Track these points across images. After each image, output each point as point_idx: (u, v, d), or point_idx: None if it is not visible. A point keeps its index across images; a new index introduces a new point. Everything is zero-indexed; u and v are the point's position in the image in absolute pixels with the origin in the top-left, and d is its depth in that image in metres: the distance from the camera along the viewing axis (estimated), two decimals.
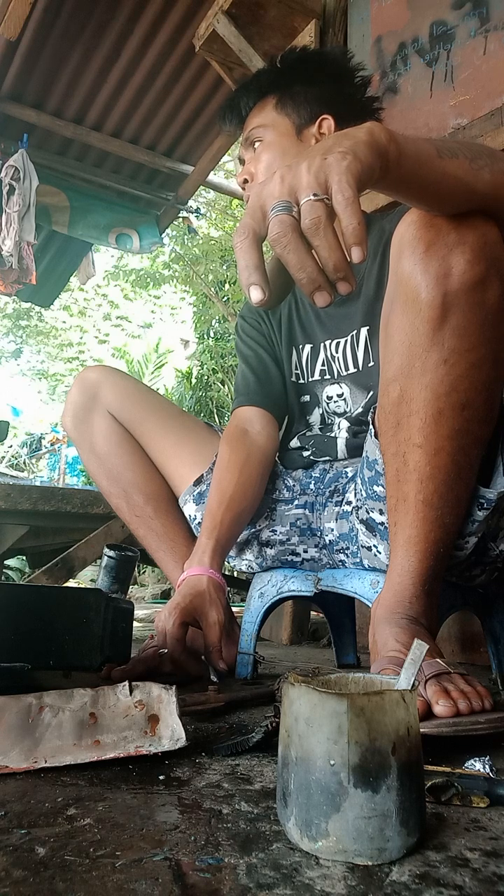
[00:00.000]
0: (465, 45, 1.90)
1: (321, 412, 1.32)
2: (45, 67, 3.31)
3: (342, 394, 1.27)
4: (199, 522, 1.30)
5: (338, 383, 1.28)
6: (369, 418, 1.06)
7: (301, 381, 1.34)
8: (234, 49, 2.38)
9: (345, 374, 1.26)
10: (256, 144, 1.25)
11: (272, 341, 1.40)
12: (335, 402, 1.28)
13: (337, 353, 1.26)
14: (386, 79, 2.09)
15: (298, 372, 1.35)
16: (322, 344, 1.29)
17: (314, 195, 0.57)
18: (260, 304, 0.61)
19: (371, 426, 1.05)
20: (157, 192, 4.20)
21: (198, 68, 3.34)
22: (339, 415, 1.27)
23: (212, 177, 4.31)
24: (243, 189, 1.26)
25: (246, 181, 1.23)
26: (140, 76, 3.39)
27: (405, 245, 0.82)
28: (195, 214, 4.74)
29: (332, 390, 1.29)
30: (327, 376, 1.30)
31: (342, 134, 0.65)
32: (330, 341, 1.28)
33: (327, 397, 1.29)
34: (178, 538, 1.36)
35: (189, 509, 1.33)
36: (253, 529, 1.28)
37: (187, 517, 1.36)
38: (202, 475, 1.33)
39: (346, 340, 1.25)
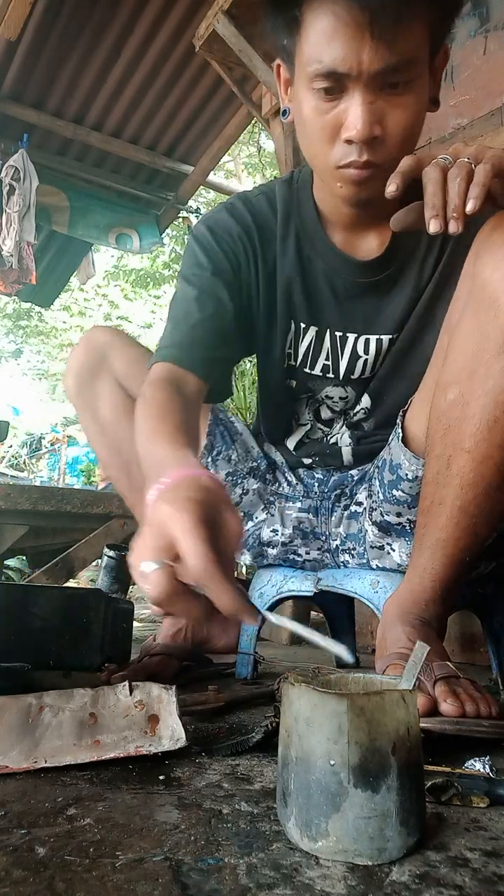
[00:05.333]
0: (465, 45, 1.90)
1: (316, 408, 1.17)
2: (45, 67, 3.31)
3: (346, 396, 1.13)
4: None
5: (342, 386, 1.12)
6: (398, 420, 1.03)
7: (292, 362, 1.11)
8: (234, 49, 2.38)
9: (358, 377, 1.10)
10: (398, 85, 0.84)
11: (246, 286, 1.07)
12: (335, 402, 1.15)
13: (366, 353, 1.07)
14: None
15: (291, 352, 1.11)
16: (332, 332, 1.07)
17: (467, 159, 0.76)
18: (390, 195, 0.79)
19: (399, 430, 1.03)
20: (157, 192, 4.21)
21: (198, 68, 3.34)
22: (334, 412, 1.16)
23: (212, 177, 4.32)
24: (364, 142, 0.84)
25: (375, 138, 0.84)
26: (140, 76, 3.39)
27: (486, 248, 0.81)
28: (195, 214, 4.74)
29: (333, 391, 1.13)
30: (330, 375, 1.11)
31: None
32: (353, 335, 1.06)
33: (327, 396, 1.14)
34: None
35: None
36: (253, 524, 1.24)
37: None
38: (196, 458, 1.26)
39: (381, 341, 1.06)
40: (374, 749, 0.50)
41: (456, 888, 0.46)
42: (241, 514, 1.22)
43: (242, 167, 10.31)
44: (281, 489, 1.24)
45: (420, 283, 1.03)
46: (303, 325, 1.09)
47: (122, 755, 0.73)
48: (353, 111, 0.83)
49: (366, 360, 1.08)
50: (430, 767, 0.67)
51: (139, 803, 0.62)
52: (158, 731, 0.77)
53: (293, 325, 1.09)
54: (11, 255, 3.55)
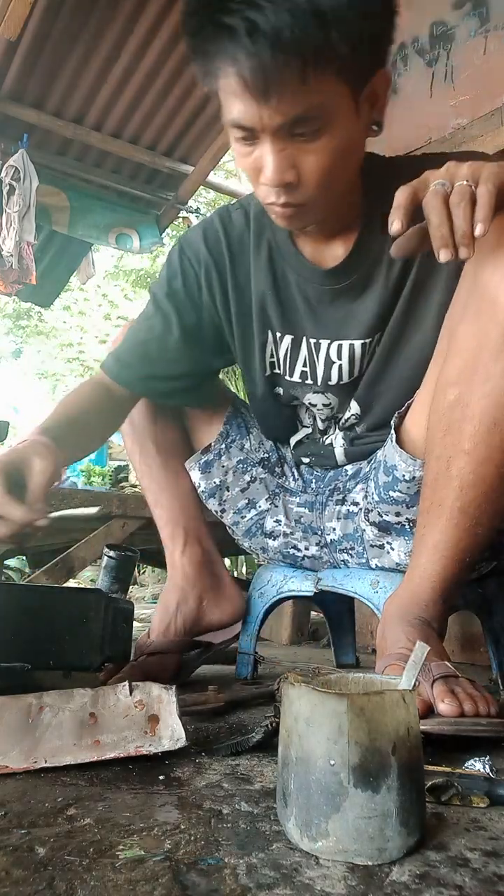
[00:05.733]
0: (465, 45, 1.90)
1: (307, 410, 1.20)
2: (45, 67, 3.30)
3: (328, 403, 1.15)
4: (203, 490, 1.28)
5: (322, 393, 1.13)
6: (392, 423, 1.04)
7: (276, 371, 1.15)
8: None
9: (338, 383, 1.11)
10: (306, 132, 0.84)
11: (208, 308, 1.14)
12: (318, 409, 1.17)
13: (339, 358, 1.09)
14: None
15: (274, 361, 1.14)
16: (308, 340, 1.10)
17: (466, 182, 0.74)
18: (395, 234, 0.77)
19: (393, 431, 1.04)
20: (157, 192, 4.20)
21: None
22: (323, 420, 1.18)
23: (212, 177, 4.32)
24: (278, 187, 0.87)
25: (289, 185, 0.87)
26: (140, 76, 3.38)
27: (487, 250, 0.81)
28: (195, 214, 4.74)
29: (315, 398, 1.15)
30: (309, 381, 1.13)
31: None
32: (326, 341, 1.09)
33: (310, 404, 1.16)
34: (179, 493, 1.29)
35: (194, 476, 1.29)
36: (256, 512, 1.27)
37: (194, 483, 1.32)
38: (210, 444, 1.28)
39: (354, 346, 1.07)
40: (374, 749, 0.50)
41: (456, 888, 0.46)
42: (247, 500, 1.27)
43: None
44: (286, 483, 1.28)
45: (388, 287, 1.02)
46: (279, 335, 1.12)
47: (122, 755, 0.73)
48: (266, 159, 0.85)
49: (340, 366, 1.09)
50: (430, 767, 0.67)
51: (139, 803, 0.62)
52: (158, 731, 0.77)
53: (270, 335, 1.13)
54: (11, 255, 3.55)
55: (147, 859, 0.49)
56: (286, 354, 1.13)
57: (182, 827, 0.56)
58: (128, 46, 3.23)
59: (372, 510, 1.09)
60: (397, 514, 1.05)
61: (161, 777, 0.70)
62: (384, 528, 1.08)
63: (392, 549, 1.08)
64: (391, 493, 1.04)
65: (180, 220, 4.73)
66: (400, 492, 1.02)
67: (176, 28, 3.12)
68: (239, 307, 1.13)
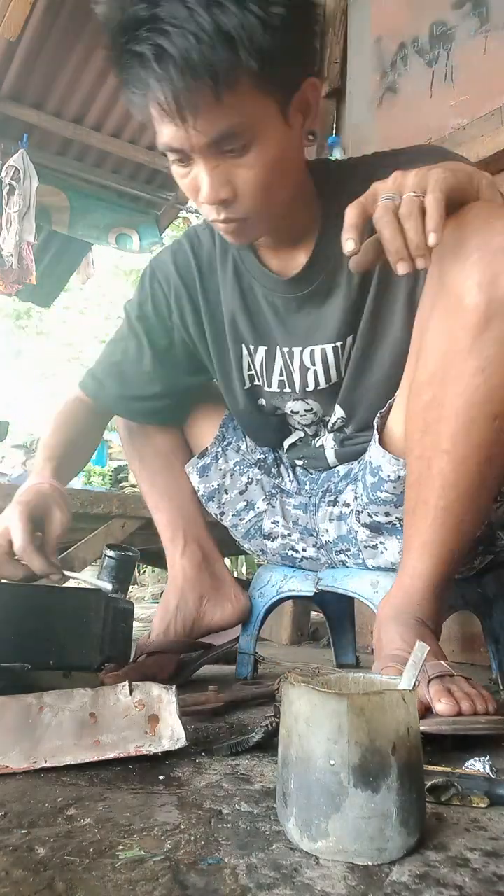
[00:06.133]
0: (465, 45, 1.90)
1: (296, 416, 1.20)
2: (45, 67, 3.31)
3: (310, 408, 1.15)
4: (203, 494, 1.30)
5: (302, 400, 1.14)
6: (375, 423, 1.05)
7: (256, 383, 1.17)
8: None
9: (316, 388, 1.11)
10: (234, 148, 0.86)
11: (179, 328, 1.18)
12: (301, 416, 1.17)
13: (312, 364, 1.09)
14: (386, 79, 2.09)
15: (253, 373, 1.16)
16: (281, 349, 1.12)
17: (413, 193, 0.74)
18: (351, 254, 0.77)
19: (376, 432, 1.04)
20: (157, 192, 4.21)
21: None
22: (308, 425, 1.19)
23: None
24: (215, 204, 0.89)
25: (225, 201, 0.89)
26: None
27: (449, 250, 0.81)
28: (195, 214, 4.74)
29: (296, 406, 1.16)
30: (287, 390, 1.14)
31: (451, 165, 0.80)
32: (298, 349, 1.10)
33: (292, 411, 1.17)
34: (178, 497, 1.31)
35: (193, 480, 1.31)
36: (254, 514, 1.27)
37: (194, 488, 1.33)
38: (206, 448, 1.30)
39: (326, 350, 1.08)
40: (374, 749, 0.50)
41: (456, 888, 0.46)
42: (245, 502, 1.28)
43: None
44: (283, 484, 1.29)
45: (352, 289, 1.03)
46: (252, 347, 1.14)
47: (122, 755, 0.73)
48: (200, 178, 0.87)
49: (315, 371, 1.10)
50: (430, 767, 0.67)
51: (139, 803, 0.62)
52: (158, 730, 0.77)
53: (244, 349, 1.15)
54: (11, 255, 3.55)
55: (147, 859, 0.49)
56: (261, 366, 1.15)
57: (182, 827, 0.56)
58: None
59: (362, 511, 1.09)
60: (387, 514, 1.05)
61: (161, 777, 0.70)
62: (375, 528, 1.08)
63: (385, 548, 1.09)
64: (378, 493, 1.04)
65: (180, 220, 4.74)
66: (387, 492, 1.03)
67: None
68: (212, 324, 1.16)
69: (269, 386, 1.16)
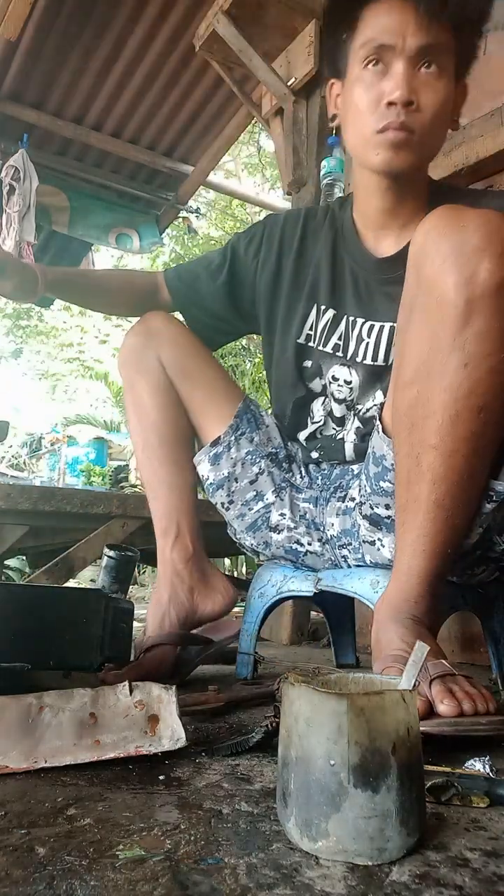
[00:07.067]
0: None
1: (323, 402, 1.25)
2: (45, 67, 3.31)
3: (350, 381, 1.20)
4: (211, 483, 1.30)
5: (349, 367, 1.20)
6: (376, 413, 1.06)
7: (310, 343, 1.24)
8: (234, 49, 2.37)
9: (363, 361, 1.18)
10: (432, 66, 1.01)
11: (269, 273, 1.29)
12: (339, 385, 1.22)
13: (368, 337, 1.17)
14: None
15: (311, 333, 1.24)
16: (349, 317, 1.20)
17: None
18: None
19: (378, 422, 1.05)
20: (157, 192, 4.20)
21: (198, 68, 3.33)
22: (339, 401, 1.22)
23: (212, 177, 4.31)
24: (403, 103, 0.99)
25: (411, 103, 0.99)
26: (140, 76, 3.39)
27: (428, 247, 0.85)
28: (195, 214, 4.74)
29: (340, 372, 1.21)
30: (339, 353, 1.21)
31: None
32: (362, 320, 1.18)
33: (332, 377, 1.22)
34: (177, 488, 1.31)
35: (203, 469, 1.31)
36: (263, 504, 1.27)
37: (201, 477, 1.33)
38: (219, 437, 1.30)
39: (383, 328, 1.15)
40: (374, 749, 0.50)
41: (456, 888, 0.46)
42: (254, 492, 1.29)
43: (242, 167, 10.31)
44: (293, 479, 1.30)
45: None
46: (323, 307, 1.23)
47: (122, 755, 0.73)
48: (395, 78, 1.00)
49: (367, 344, 1.17)
50: (430, 767, 0.67)
51: (139, 803, 0.62)
52: (158, 731, 0.77)
53: (314, 307, 1.24)
54: None
55: (147, 859, 0.49)
56: (325, 326, 1.23)
57: (182, 827, 0.56)
58: (128, 46, 3.23)
59: (365, 503, 1.10)
60: (387, 507, 1.05)
61: (161, 777, 0.70)
62: (375, 522, 1.09)
63: (383, 545, 1.09)
64: (381, 483, 1.05)
65: (180, 220, 4.73)
66: (389, 482, 1.03)
67: (176, 28, 3.12)
68: (294, 279, 1.27)
69: (325, 346, 1.23)
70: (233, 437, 1.30)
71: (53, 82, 3.41)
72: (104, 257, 10.69)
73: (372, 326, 1.17)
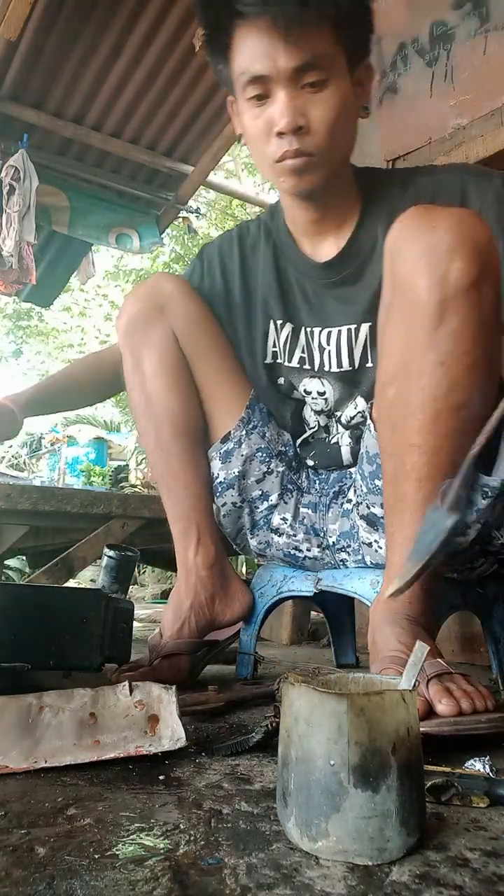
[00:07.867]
0: (465, 45, 1.89)
1: (307, 408, 1.23)
2: (45, 67, 3.30)
3: (324, 392, 1.18)
4: (222, 482, 1.25)
5: (319, 378, 1.18)
6: (361, 420, 1.06)
7: (277, 360, 1.22)
8: None
9: (330, 370, 1.15)
10: (315, 80, 0.95)
11: (218, 297, 1.26)
12: (313, 398, 1.19)
13: (328, 344, 1.14)
14: (386, 79, 2.09)
15: (276, 350, 1.21)
16: (305, 329, 1.17)
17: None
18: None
19: (370, 421, 1.05)
20: (157, 192, 4.20)
21: (198, 68, 3.33)
22: (318, 413, 1.20)
23: (212, 177, 4.31)
24: (291, 132, 0.96)
25: (301, 128, 0.95)
26: (140, 76, 3.38)
27: (401, 249, 0.85)
28: (195, 214, 4.74)
29: (311, 384, 1.19)
30: (306, 367, 1.18)
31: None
32: (318, 329, 1.15)
33: (305, 391, 1.20)
34: (194, 485, 1.23)
35: (214, 466, 1.25)
36: (268, 505, 1.26)
37: (212, 474, 1.27)
38: (229, 432, 1.25)
39: (341, 332, 1.13)
40: (374, 749, 0.50)
41: (456, 888, 0.46)
42: (260, 491, 1.26)
43: (242, 167, 10.31)
44: (300, 481, 1.29)
45: (376, 279, 1.03)
46: (279, 322, 1.20)
47: (122, 755, 0.73)
48: (278, 107, 0.95)
49: (330, 352, 1.15)
50: (430, 767, 0.67)
51: (139, 803, 0.62)
52: (158, 731, 0.77)
53: (272, 324, 1.21)
54: (11, 255, 3.54)
55: (147, 859, 0.49)
56: (286, 341, 1.20)
57: (182, 827, 0.56)
58: (128, 46, 3.23)
59: (361, 503, 1.10)
60: (382, 507, 1.05)
61: (161, 777, 0.70)
62: (372, 522, 1.09)
63: (380, 546, 1.09)
64: (376, 482, 1.05)
65: (180, 220, 4.72)
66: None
67: (176, 28, 3.12)
68: (246, 301, 1.24)
69: (290, 361, 1.20)
70: (243, 433, 1.25)
71: (53, 82, 3.40)
72: (104, 257, 10.70)
73: (329, 333, 1.15)
